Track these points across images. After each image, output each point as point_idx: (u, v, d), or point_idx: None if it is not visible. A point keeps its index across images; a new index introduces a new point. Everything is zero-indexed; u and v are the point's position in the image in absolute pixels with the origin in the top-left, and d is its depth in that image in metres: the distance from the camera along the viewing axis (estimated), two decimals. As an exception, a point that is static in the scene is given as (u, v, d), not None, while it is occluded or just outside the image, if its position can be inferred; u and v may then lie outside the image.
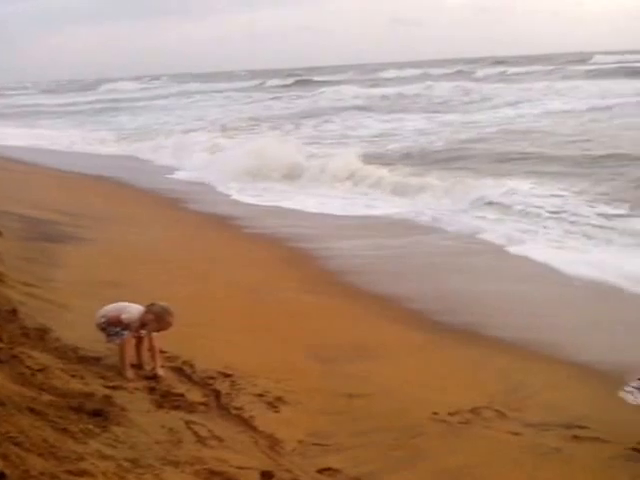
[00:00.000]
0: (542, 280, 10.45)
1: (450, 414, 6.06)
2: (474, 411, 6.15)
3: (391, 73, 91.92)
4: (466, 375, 6.96)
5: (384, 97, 51.54)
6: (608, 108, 34.00)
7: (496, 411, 6.17)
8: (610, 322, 8.53)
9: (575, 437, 5.75)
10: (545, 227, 13.40)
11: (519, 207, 14.82)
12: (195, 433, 5.17)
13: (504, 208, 14.97)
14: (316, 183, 19.90)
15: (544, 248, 12.03)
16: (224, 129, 35.79)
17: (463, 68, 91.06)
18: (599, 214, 13.85)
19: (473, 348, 7.67)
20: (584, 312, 9.07)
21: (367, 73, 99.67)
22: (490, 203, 15.43)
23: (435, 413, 6.06)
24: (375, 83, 70.43)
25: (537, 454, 5.55)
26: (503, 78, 65.62)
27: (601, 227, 13.07)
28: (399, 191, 17.77)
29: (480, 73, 77.39)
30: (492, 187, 16.69)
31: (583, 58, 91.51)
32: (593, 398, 6.39)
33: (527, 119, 32.70)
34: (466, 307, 9.13)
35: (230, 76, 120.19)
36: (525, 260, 11.44)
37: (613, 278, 10.10)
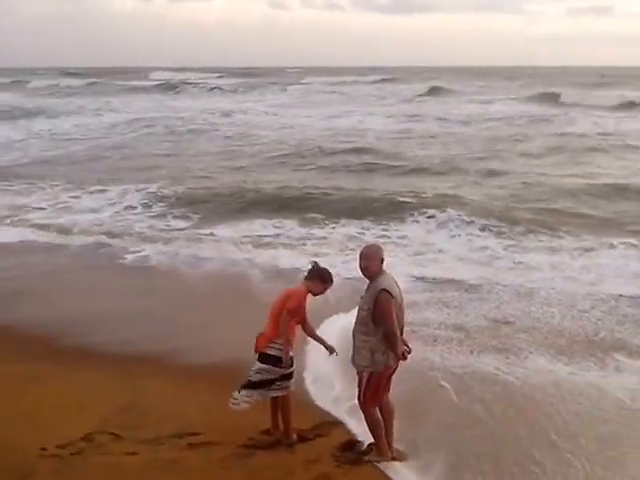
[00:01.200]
0: (164, 287, 10.57)
1: (60, 447, 5.68)
2: (87, 438, 5.85)
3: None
4: (77, 402, 6.56)
5: None
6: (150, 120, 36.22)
7: (111, 434, 5.97)
8: (225, 321, 8.80)
9: (189, 445, 5.84)
10: (158, 236, 13.78)
11: (137, 223, 15.01)
12: None
13: (123, 223, 14.98)
14: None
15: (164, 254, 12.30)
16: None
17: (21, 78, 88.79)
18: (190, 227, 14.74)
19: (86, 371, 7.31)
20: (203, 314, 9.24)
21: None
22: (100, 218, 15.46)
23: (43, 449, 5.61)
24: None
25: (154, 469, 5.50)
26: (56, 91, 66.35)
27: (200, 235, 13.75)
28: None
29: (34, 84, 77.09)
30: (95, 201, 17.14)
31: (145, 73, 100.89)
32: (204, 403, 6.54)
33: (122, 130, 33.26)
34: (81, 327, 8.70)
35: None
36: (149, 269, 11.48)
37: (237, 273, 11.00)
